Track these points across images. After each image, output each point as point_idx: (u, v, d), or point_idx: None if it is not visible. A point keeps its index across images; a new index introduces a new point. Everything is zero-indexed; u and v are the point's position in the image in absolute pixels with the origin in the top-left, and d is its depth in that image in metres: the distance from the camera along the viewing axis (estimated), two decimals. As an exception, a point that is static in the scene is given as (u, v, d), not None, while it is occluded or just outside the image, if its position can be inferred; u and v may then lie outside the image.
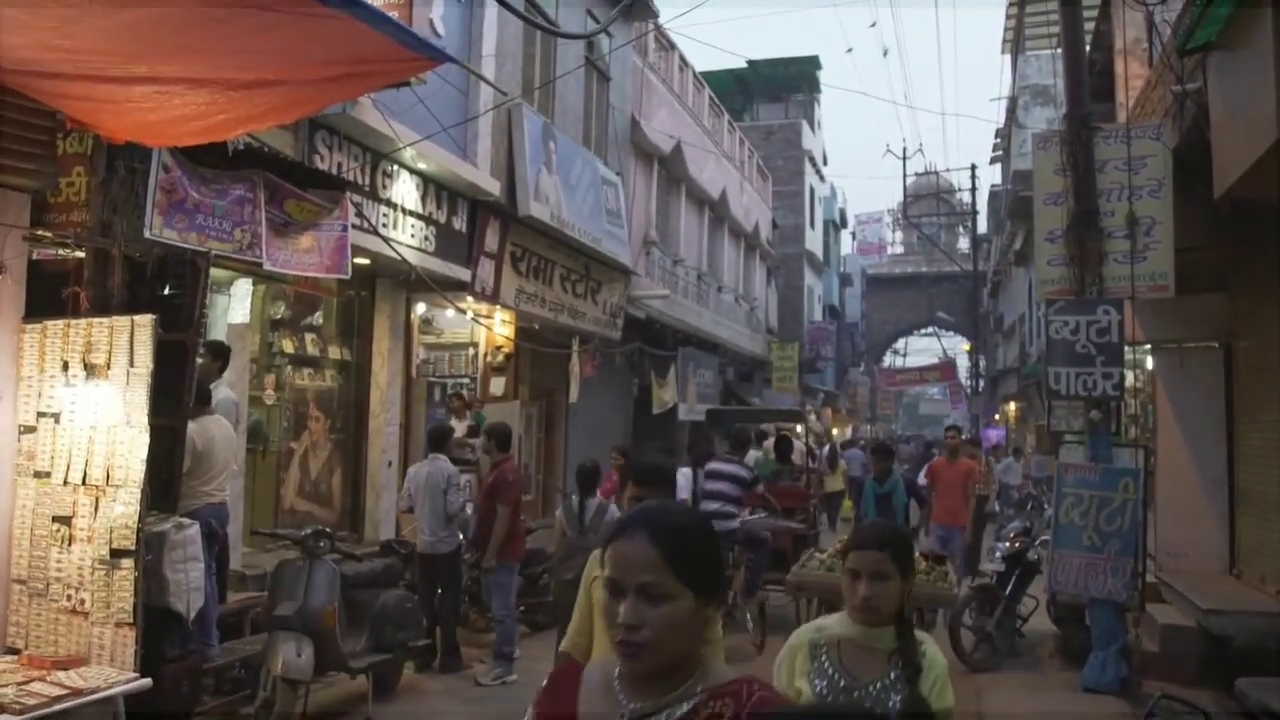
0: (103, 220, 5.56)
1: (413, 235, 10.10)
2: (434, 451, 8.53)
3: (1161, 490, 9.26)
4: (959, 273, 38.57)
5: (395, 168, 9.75)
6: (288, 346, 9.63)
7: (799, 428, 16.14)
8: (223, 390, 7.17)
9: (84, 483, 5.15)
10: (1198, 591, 7.77)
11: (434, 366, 12.37)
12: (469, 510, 8.84)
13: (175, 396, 5.43)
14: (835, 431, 33.28)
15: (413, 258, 9.72)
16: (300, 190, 7.22)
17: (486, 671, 7.92)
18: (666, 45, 19.22)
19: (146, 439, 5.00)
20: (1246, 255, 8.19)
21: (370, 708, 6.89)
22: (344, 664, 6.70)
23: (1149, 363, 10.30)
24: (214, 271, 6.27)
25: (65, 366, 5.29)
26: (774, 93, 35.16)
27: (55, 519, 5.21)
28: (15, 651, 5.18)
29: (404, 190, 9.96)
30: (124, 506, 5.00)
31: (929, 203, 39.32)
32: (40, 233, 5.52)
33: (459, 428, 10.52)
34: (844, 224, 45.76)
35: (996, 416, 35.29)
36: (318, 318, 10.24)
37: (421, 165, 10.05)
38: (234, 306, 8.24)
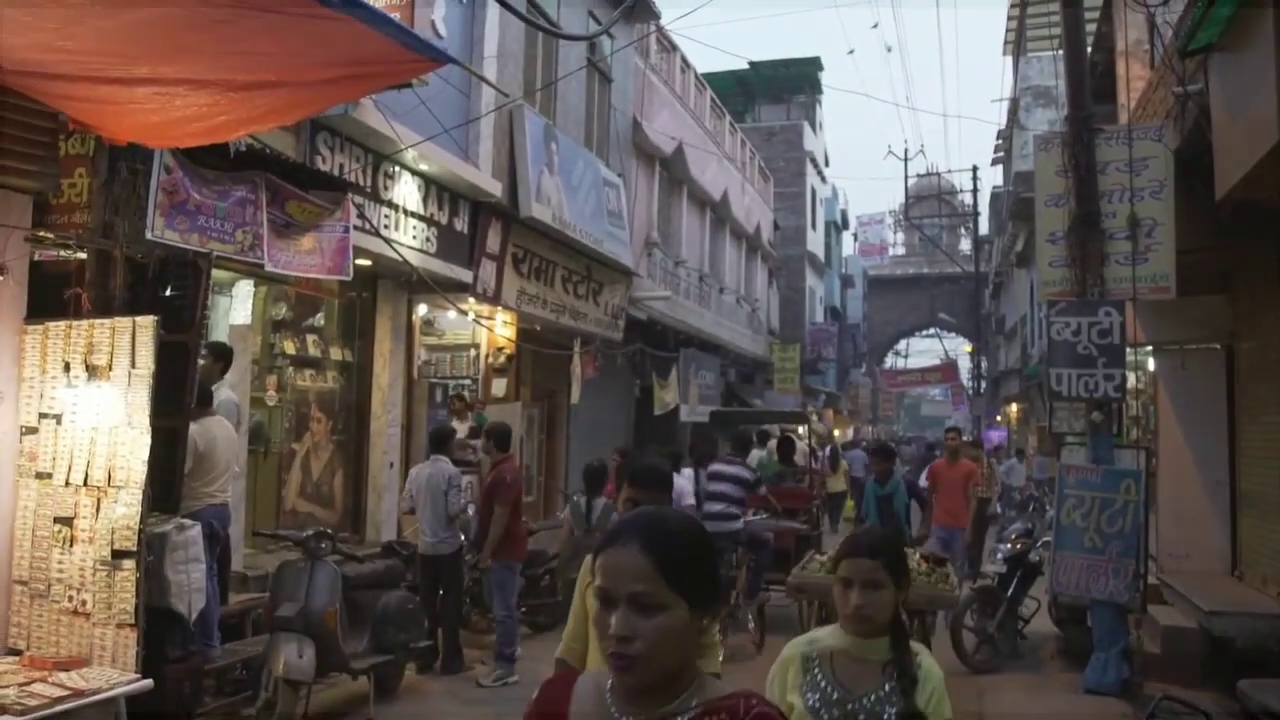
0: (104, 221, 5.57)
1: (414, 236, 10.10)
2: (436, 453, 8.53)
3: (1163, 492, 9.26)
4: (960, 274, 38.56)
5: (397, 169, 9.76)
6: (289, 348, 9.64)
7: (802, 429, 16.17)
8: (224, 392, 7.17)
9: (85, 484, 5.15)
10: (1199, 593, 7.77)
11: (435, 368, 12.37)
12: (470, 511, 8.84)
13: (177, 398, 5.43)
14: (837, 433, 33.29)
15: (414, 259, 9.72)
16: (302, 191, 7.23)
17: (488, 673, 7.92)
18: (668, 47, 19.23)
19: (148, 440, 5.00)
20: (1248, 257, 8.19)
21: (372, 709, 6.89)
22: (345, 665, 6.70)
23: (1150, 364, 10.30)
24: (215, 273, 6.28)
25: (67, 367, 5.30)
26: (775, 94, 35.17)
27: (57, 520, 5.21)
28: (17, 652, 5.18)
29: (405, 191, 9.96)
30: (125, 508, 5.00)
31: (930, 204, 39.35)
32: (42, 234, 5.53)
33: (460, 429, 10.52)
34: (845, 225, 45.79)
35: (998, 418, 35.29)
36: (319, 319, 10.24)
37: (423, 166, 10.05)
38: (235, 308, 8.25)
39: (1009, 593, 8.87)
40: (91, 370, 5.22)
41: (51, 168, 5.47)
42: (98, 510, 5.09)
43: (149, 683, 4.90)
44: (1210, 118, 6.82)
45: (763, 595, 9.60)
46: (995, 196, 34.87)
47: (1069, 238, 8.13)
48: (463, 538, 8.44)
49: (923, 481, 11.62)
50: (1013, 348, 31.17)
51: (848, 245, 48.63)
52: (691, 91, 20.55)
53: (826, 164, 37.71)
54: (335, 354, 10.31)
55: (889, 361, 52.95)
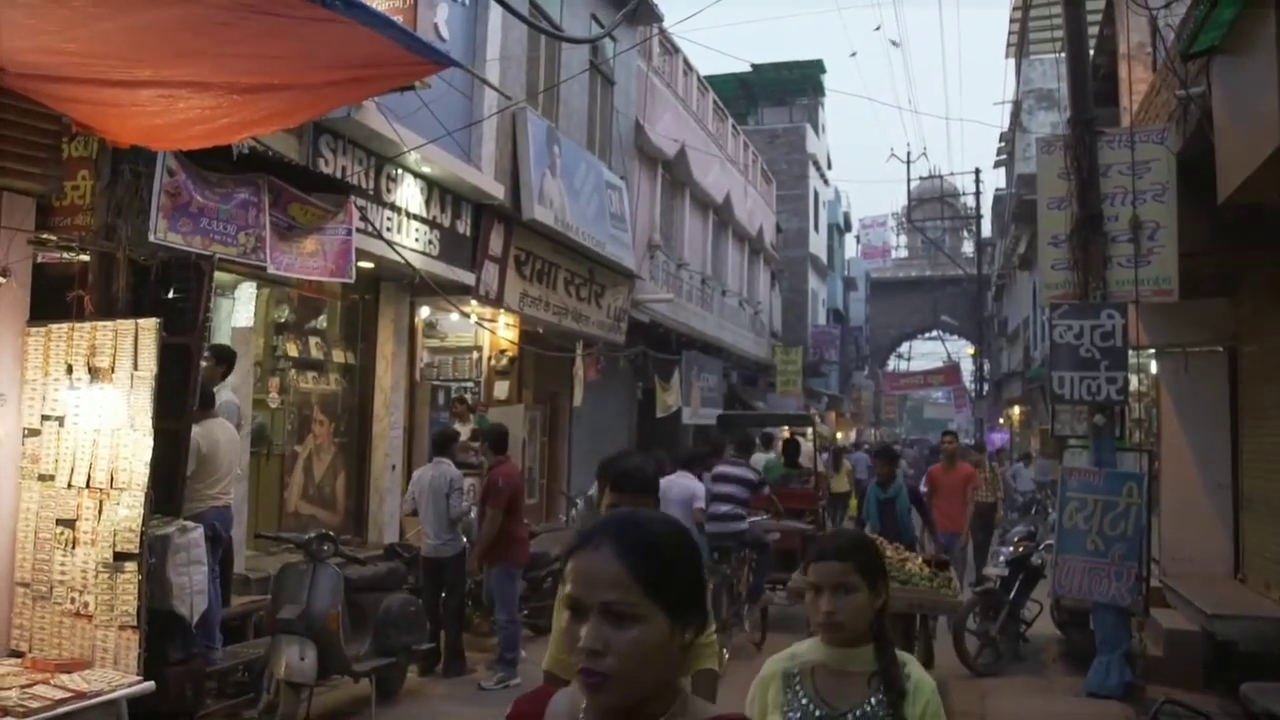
0: (107, 224, 5.58)
1: (417, 239, 10.11)
2: (438, 455, 8.55)
3: (1166, 495, 9.24)
4: (963, 276, 38.54)
5: (399, 171, 9.76)
6: (292, 350, 9.65)
7: (809, 431, 16.23)
8: (225, 394, 7.18)
9: (88, 486, 5.16)
10: (1202, 596, 7.75)
11: (438, 370, 12.37)
12: (473, 514, 8.84)
13: (179, 400, 5.45)
14: (839, 435, 33.27)
15: (417, 261, 9.73)
16: (304, 194, 7.24)
17: (489, 675, 7.92)
18: (671, 49, 19.24)
19: (150, 442, 5.01)
20: (1251, 259, 8.18)
21: (373, 711, 6.89)
22: (347, 667, 6.70)
23: (1153, 367, 10.28)
24: (218, 275, 6.28)
25: (69, 370, 5.31)
26: (778, 96, 35.20)
27: (59, 522, 5.22)
28: (19, 654, 5.19)
29: (408, 194, 9.97)
30: (128, 510, 5.01)
31: (933, 206, 39.33)
32: (45, 236, 5.54)
33: (463, 431, 10.53)
34: (848, 228, 45.81)
35: (1001, 420, 35.28)
36: (322, 321, 10.25)
37: (426, 169, 10.06)
38: (238, 310, 8.26)
39: (1011, 596, 8.86)
40: (94, 372, 5.23)
41: (54, 170, 5.48)
42: (100, 512, 5.10)
43: (151, 685, 4.91)
44: (1212, 120, 6.82)
45: (766, 596, 9.71)
46: (998, 199, 34.87)
47: (1071, 240, 8.12)
48: (465, 540, 8.45)
49: (921, 488, 11.56)
50: (1015, 350, 31.15)
51: (850, 248, 48.66)
52: (694, 94, 20.56)
53: (829, 166, 37.73)
54: (337, 356, 10.32)
55: (891, 364, 52.94)
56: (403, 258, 9.27)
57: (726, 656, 8.55)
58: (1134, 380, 9.62)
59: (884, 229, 57.04)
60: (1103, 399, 7.81)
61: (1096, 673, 7.55)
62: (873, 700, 2.34)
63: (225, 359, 7.22)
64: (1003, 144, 30.49)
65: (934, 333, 50.33)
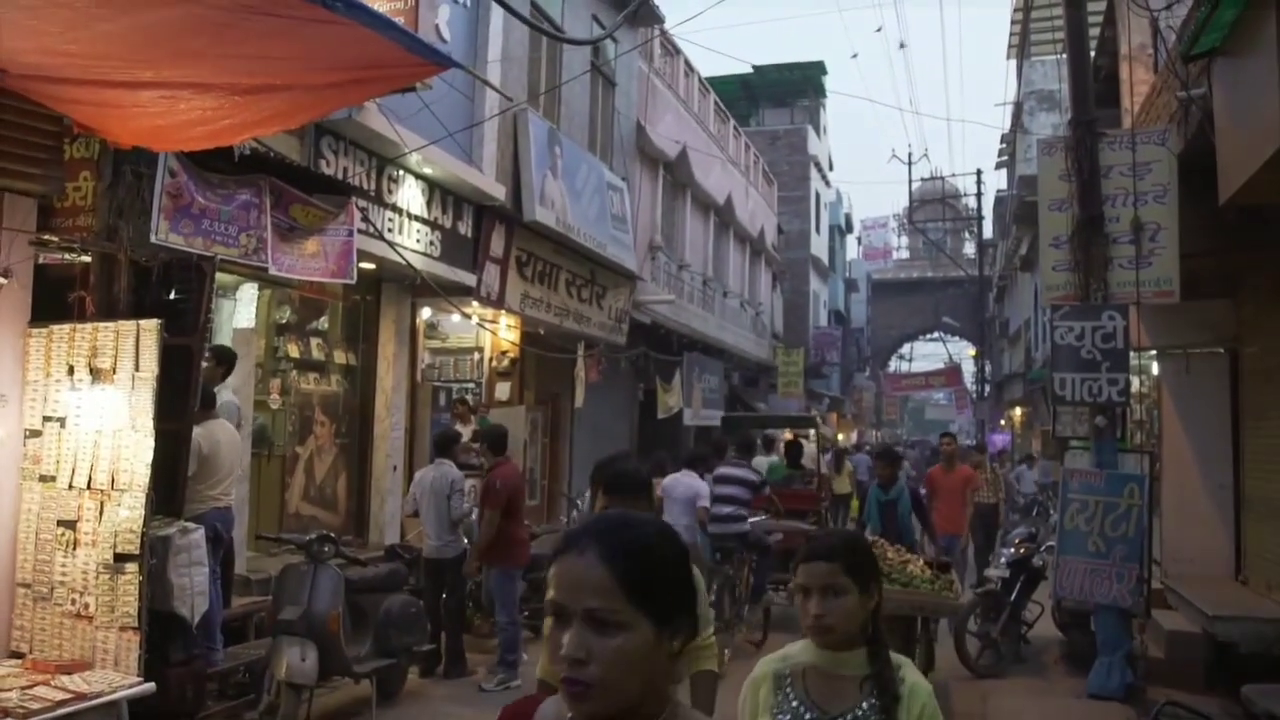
0: (109, 225, 5.59)
1: (418, 240, 10.11)
2: (440, 456, 8.55)
3: (1167, 496, 9.24)
4: (964, 278, 38.54)
5: (401, 173, 9.77)
6: (293, 351, 9.65)
7: (811, 433, 16.28)
8: (225, 394, 7.18)
9: (89, 487, 5.17)
10: (1203, 597, 7.75)
11: (439, 371, 12.37)
12: (474, 515, 8.85)
13: (180, 401, 5.45)
14: (840, 437, 33.25)
15: (418, 263, 9.73)
16: (306, 195, 7.25)
17: (490, 677, 7.91)
18: (672, 51, 19.25)
19: (151, 443, 5.01)
20: (1252, 261, 8.18)
21: (374, 713, 6.89)
22: (348, 669, 6.70)
23: (1154, 368, 10.28)
24: (219, 276, 6.28)
25: (71, 371, 5.31)
26: (779, 98, 35.20)
27: (60, 523, 5.23)
28: (20, 655, 5.19)
29: (409, 195, 9.98)
30: (129, 511, 5.01)
31: (934, 208, 39.29)
32: (46, 237, 5.55)
33: (464, 433, 10.53)
34: (849, 229, 45.81)
35: (1002, 422, 35.26)
36: (323, 322, 10.26)
37: (427, 170, 10.07)
38: (239, 311, 8.26)
39: (1012, 597, 8.85)
40: (95, 373, 5.24)
41: (56, 171, 5.49)
42: (101, 513, 5.11)
43: (151, 686, 4.91)
44: (1213, 122, 6.82)
45: (767, 597, 9.77)
46: (999, 200, 34.87)
47: (1072, 242, 8.13)
48: (466, 541, 8.45)
49: (921, 489, 11.54)
50: (1016, 351, 31.13)
51: (851, 249, 48.67)
52: (695, 95, 20.57)
53: (830, 168, 37.73)
54: (339, 357, 10.33)
55: (893, 365, 52.94)
56: (404, 259, 9.28)
57: (728, 655, 8.62)
58: (1135, 382, 9.62)
59: (885, 230, 57.08)
60: (1104, 400, 7.81)
61: (1098, 674, 7.54)
62: (864, 705, 2.28)
63: (225, 360, 7.22)
64: (1004, 145, 30.47)
65: (935, 334, 50.32)
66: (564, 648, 1.30)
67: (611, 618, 1.29)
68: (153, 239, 5.87)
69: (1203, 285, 8.60)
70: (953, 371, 39.57)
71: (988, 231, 38.15)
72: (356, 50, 4.11)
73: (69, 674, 4.81)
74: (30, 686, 4.61)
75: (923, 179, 38.05)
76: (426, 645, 7.62)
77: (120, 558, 5.00)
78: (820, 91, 35.91)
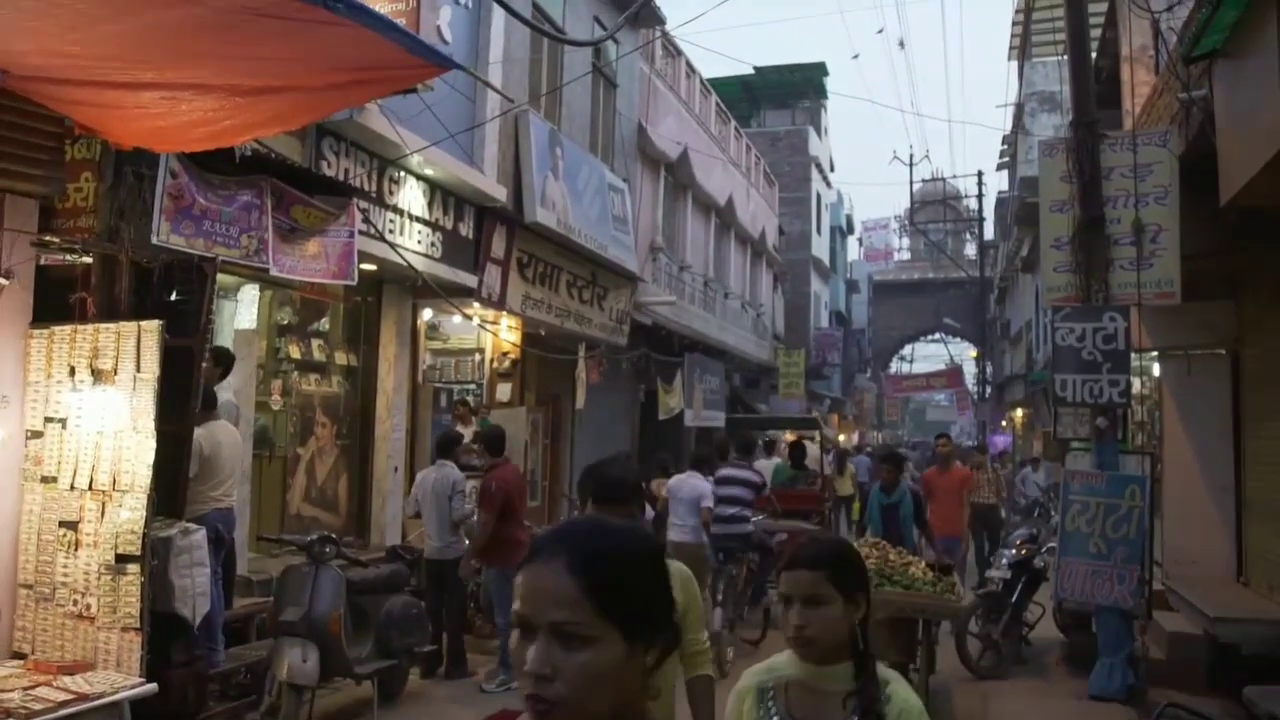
0: (110, 226, 5.60)
1: (419, 241, 10.12)
2: (441, 458, 8.55)
3: (1168, 497, 9.23)
4: (966, 279, 38.52)
5: (402, 174, 9.77)
6: (294, 352, 9.65)
7: (815, 434, 16.33)
8: (224, 395, 7.18)
9: (90, 488, 5.17)
10: (1205, 599, 7.74)
11: (440, 372, 12.38)
12: (475, 517, 8.84)
13: (182, 402, 5.45)
14: (841, 438, 33.25)
15: (419, 264, 9.74)
16: (307, 196, 7.25)
17: (491, 678, 7.91)
18: (673, 52, 19.26)
19: (153, 444, 5.02)
20: (1253, 262, 8.18)
21: (375, 714, 6.89)
22: (349, 670, 6.71)
23: (1155, 370, 10.28)
24: (221, 277, 6.28)
25: (72, 372, 5.32)
26: (780, 99, 35.19)
27: (62, 524, 5.23)
28: (22, 656, 5.20)
29: (411, 196, 9.98)
30: (130, 512, 5.02)
31: (936, 209, 39.27)
32: (48, 238, 5.55)
33: (466, 434, 10.53)
34: (851, 230, 45.78)
35: (1003, 423, 35.24)
36: (324, 323, 10.26)
37: (428, 171, 10.07)
38: (241, 312, 8.27)
39: (1014, 599, 8.85)
40: (96, 375, 5.24)
41: (57, 172, 5.49)
42: (102, 514, 5.11)
43: (153, 687, 4.91)
44: (1214, 123, 6.82)
45: (768, 597, 9.84)
46: (1000, 201, 34.87)
47: (1074, 243, 8.13)
48: (467, 543, 8.45)
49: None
50: (1018, 353, 31.13)
51: (853, 250, 48.64)
52: (696, 96, 20.58)
53: (832, 169, 37.72)
54: (340, 358, 10.33)
55: (894, 366, 52.90)
56: (405, 260, 9.28)
57: (731, 654, 8.65)
58: (1136, 383, 9.63)
59: (886, 231, 57.06)
60: (1105, 402, 7.81)
61: (1099, 675, 7.54)
62: None
63: (223, 360, 7.22)
64: (1005, 146, 30.49)
65: (936, 335, 50.31)
66: (528, 663, 1.23)
67: (579, 631, 1.22)
68: (154, 240, 5.87)
69: (1204, 286, 8.60)
70: (954, 373, 39.53)
71: (989, 233, 38.16)
72: (358, 51, 4.11)
73: (71, 675, 4.82)
74: (32, 687, 4.61)
75: (924, 180, 38.10)
76: (428, 646, 7.63)
77: (122, 558, 5.00)
78: (821, 93, 35.90)
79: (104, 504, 5.11)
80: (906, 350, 54.00)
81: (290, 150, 8.07)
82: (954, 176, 51.98)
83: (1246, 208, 6.69)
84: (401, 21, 7.69)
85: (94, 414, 5.21)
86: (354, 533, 10.16)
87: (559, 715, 1.22)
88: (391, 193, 9.65)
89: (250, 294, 8.30)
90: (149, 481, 4.99)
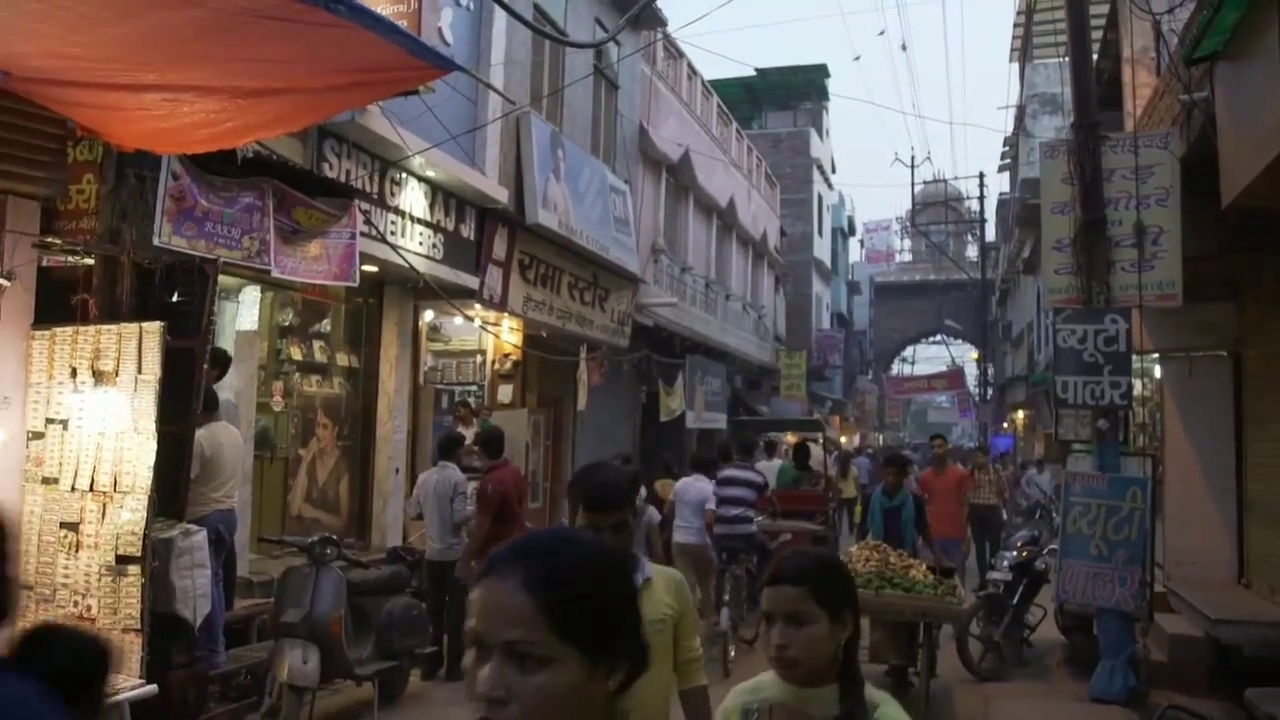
0: (112, 228, 5.61)
1: (421, 243, 10.12)
2: (443, 459, 8.55)
3: (1170, 499, 9.22)
4: (967, 281, 38.51)
5: (403, 175, 9.78)
6: (296, 353, 9.66)
7: (818, 436, 16.35)
8: (221, 395, 7.17)
9: (91, 489, 5.17)
10: (1206, 601, 7.74)
11: (442, 374, 12.39)
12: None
13: (183, 403, 5.46)
14: (843, 439, 33.24)
15: (421, 265, 9.74)
16: (309, 198, 7.26)
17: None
18: (675, 54, 19.26)
19: (154, 445, 5.02)
20: (1255, 264, 8.17)
21: (376, 715, 6.89)
22: (350, 671, 6.71)
23: (1157, 371, 10.27)
24: (222, 279, 6.29)
25: (74, 373, 5.32)
26: (782, 101, 35.17)
27: (63, 525, 5.23)
28: (22, 657, 5.19)
29: (412, 198, 9.99)
30: (131, 513, 5.02)
31: (937, 211, 39.28)
32: (50, 240, 5.56)
33: (467, 435, 10.53)
34: (852, 232, 45.76)
35: (1004, 425, 35.22)
36: (326, 325, 10.26)
37: (430, 173, 10.08)
38: (242, 314, 8.27)
39: (1015, 600, 8.85)
40: (98, 376, 5.24)
41: (59, 174, 5.51)
42: (103, 515, 5.11)
43: (154, 688, 4.92)
44: (1216, 125, 6.82)
45: None
46: (1002, 203, 34.85)
47: (1075, 245, 8.12)
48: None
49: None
50: (1019, 354, 31.11)
51: (854, 252, 48.65)
52: (698, 98, 20.58)
53: (833, 170, 37.70)
54: (341, 360, 10.33)
55: (895, 368, 52.85)
56: (407, 261, 9.29)
57: (733, 653, 8.66)
58: (1138, 385, 9.61)
59: (888, 233, 57.02)
60: (1106, 403, 7.80)
61: (1100, 678, 7.53)
62: None
63: (219, 362, 7.19)
64: (1006, 148, 30.47)
65: (938, 337, 50.33)
66: (480, 685, 1.15)
67: (534, 652, 1.15)
68: (155, 242, 5.88)
69: (1205, 288, 8.59)
70: (955, 374, 39.52)
71: (990, 234, 38.15)
72: (359, 53, 4.12)
73: (71, 676, 4.81)
74: (33, 688, 4.61)
75: (925, 182, 38.18)
76: (429, 648, 7.63)
77: (122, 560, 5.01)
78: (823, 94, 35.88)
79: (105, 505, 5.12)
80: (908, 352, 54.00)
81: (292, 152, 8.07)
82: (955, 178, 51.92)
83: (1248, 210, 6.69)
84: (403, 23, 7.71)
85: (95, 415, 5.22)
86: (355, 534, 10.16)
87: None
88: (393, 194, 9.66)
89: (252, 295, 8.31)
90: (150, 483, 5.00)
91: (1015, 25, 24.16)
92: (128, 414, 5.12)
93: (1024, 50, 24.26)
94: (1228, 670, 7.21)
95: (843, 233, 40.91)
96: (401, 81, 5.24)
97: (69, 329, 5.40)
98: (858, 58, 30.19)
